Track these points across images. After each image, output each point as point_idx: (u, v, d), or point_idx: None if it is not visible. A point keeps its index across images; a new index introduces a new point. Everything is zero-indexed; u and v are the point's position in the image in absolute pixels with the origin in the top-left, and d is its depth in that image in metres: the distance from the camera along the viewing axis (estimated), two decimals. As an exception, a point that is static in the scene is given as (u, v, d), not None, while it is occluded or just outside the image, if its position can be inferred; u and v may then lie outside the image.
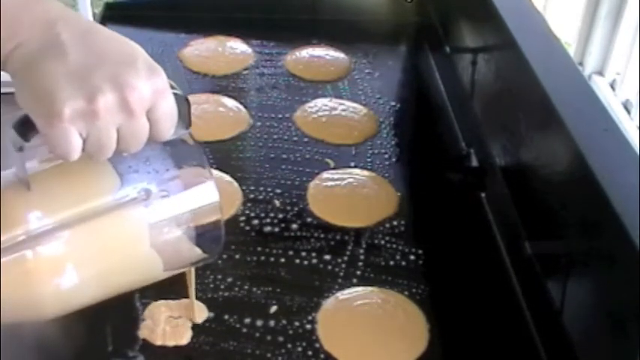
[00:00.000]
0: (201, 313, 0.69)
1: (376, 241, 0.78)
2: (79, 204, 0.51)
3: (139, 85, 0.46)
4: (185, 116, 0.51)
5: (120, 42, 0.48)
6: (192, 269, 0.63)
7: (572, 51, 1.27)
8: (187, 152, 0.55)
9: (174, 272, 0.58)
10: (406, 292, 0.72)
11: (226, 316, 0.69)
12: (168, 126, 0.49)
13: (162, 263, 0.55)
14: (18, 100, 0.46)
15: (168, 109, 0.48)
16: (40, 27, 0.46)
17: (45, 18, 0.46)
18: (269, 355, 0.66)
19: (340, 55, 1.09)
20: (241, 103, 0.97)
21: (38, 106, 0.45)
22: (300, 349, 0.66)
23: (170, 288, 0.70)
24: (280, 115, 0.96)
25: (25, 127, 0.45)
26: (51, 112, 0.44)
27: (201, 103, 0.96)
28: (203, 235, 0.56)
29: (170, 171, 0.54)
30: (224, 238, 0.58)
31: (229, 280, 0.73)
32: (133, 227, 0.53)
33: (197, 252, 0.57)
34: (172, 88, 0.50)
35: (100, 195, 0.52)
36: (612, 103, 1.20)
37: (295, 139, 0.92)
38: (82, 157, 0.47)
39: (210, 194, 0.55)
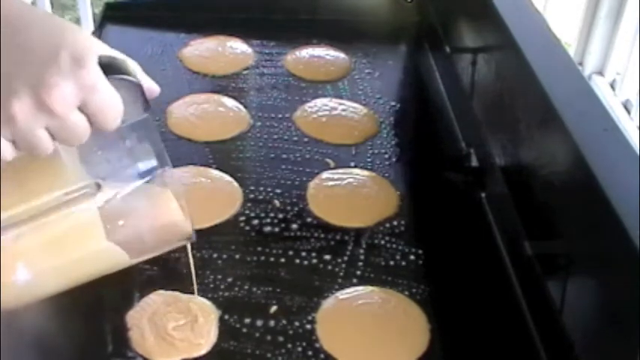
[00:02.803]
0: (210, 313, 0.69)
1: (376, 241, 0.78)
2: (27, 200, 0.50)
3: (60, 83, 0.45)
4: (138, 101, 0.49)
5: (48, 35, 0.46)
6: (189, 246, 0.61)
7: (572, 51, 1.28)
8: (145, 138, 0.53)
9: (144, 258, 0.57)
10: (406, 292, 0.72)
11: (226, 316, 0.69)
12: (110, 117, 0.47)
13: (127, 253, 0.54)
14: None
15: (103, 102, 0.46)
16: None
17: None
18: (269, 355, 0.66)
19: (340, 55, 1.09)
20: (241, 103, 0.97)
21: None
22: (300, 349, 0.66)
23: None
24: (280, 115, 0.96)
25: None
26: None
27: (201, 103, 0.96)
28: (167, 224, 0.55)
29: (124, 161, 0.52)
30: (192, 229, 0.56)
31: (229, 280, 0.73)
32: (83, 222, 0.52)
33: (164, 241, 0.56)
34: (122, 72, 0.48)
35: (48, 190, 0.51)
36: (612, 103, 1.20)
37: (295, 139, 0.92)
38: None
39: (168, 184, 0.53)
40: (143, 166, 0.53)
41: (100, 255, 0.54)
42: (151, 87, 0.52)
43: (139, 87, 0.49)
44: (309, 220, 0.80)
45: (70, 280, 0.55)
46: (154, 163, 0.53)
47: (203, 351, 0.65)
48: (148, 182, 0.53)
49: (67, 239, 0.52)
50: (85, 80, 0.45)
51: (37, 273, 0.52)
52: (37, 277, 0.53)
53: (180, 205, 0.56)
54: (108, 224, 0.53)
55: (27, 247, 0.51)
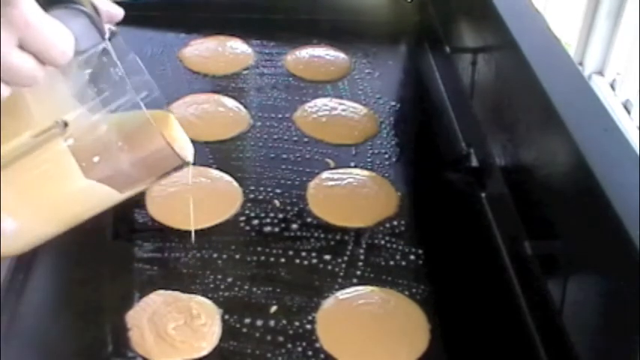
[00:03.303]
0: (213, 315, 0.69)
1: (376, 241, 0.78)
2: None
3: None
4: (92, 30, 0.47)
5: None
6: (190, 170, 0.58)
7: (572, 51, 1.27)
8: (110, 66, 0.50)
9: (138, 189, 0.55)
10: (406, 292, 0.72)
11: (226, 316, 0.69)
12: (56, 52, 0.45)
13: (114, 188, 0.52)
14: None
15: (42, 38, 0.45)
16: None
17: None
18: (269, 355, 0.66)
19: (340, 55, 1.09)
20: (241, 103, 0.97)
21: None
22: (300, 349, 0.66)
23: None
24: (280, 115, 0.96)
25: None
26: None
27: (201, 103, 0.96)
28: (151, 154, 0.52)
29: (88, 92, 0.50)
30: (183, 152, 0.54)
31: (229, 280, 0.73)
32: (56, 163, 0.51)
33: (154, 170, 0.54)
34: (70, 2, 0.46)
35: (14, 136, 0.49)
36: (612, 103, 1.20)
37: (295, 139, 0.92)
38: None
39: (142, 113, 0.51)
40: (112, 96, 0.51)
41: (83, 194, 0.53)
42: (111, 11, 0.50)
43: (88, 15, 0.47)
44: (309, 220, 0.80)
45: (62, 222, 0.54)
46: (121, 91, 0.51)
47: (204, 352, 0.65)
48: (127, 110, 0.51)
49: (43, 182, 0.51)
50: (17, 18, 0.44)
51: (23, 220, 0.51)
52: (24, 225, 0.52)
53: (171, 129, 0.54)
54: (83, 162, 0.51)
55: (4, 196, 0.50)
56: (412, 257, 0.76)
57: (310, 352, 0.66)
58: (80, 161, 0.51)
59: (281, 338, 0.67)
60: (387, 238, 0.78)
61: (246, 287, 0.72)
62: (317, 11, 1.17)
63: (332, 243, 0.77)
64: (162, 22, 1.13)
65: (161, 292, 0.70)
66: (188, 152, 0.56)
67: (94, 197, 0.53)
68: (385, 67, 1.08)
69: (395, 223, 0.80)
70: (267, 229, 0.79)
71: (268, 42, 1.11)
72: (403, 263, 0.75)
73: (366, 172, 0.87)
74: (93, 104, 0.50)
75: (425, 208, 0.83)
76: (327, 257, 0.76)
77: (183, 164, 0.54)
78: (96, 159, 0.52)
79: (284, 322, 0.69)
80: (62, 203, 0.53)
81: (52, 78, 0.47)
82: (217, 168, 0.86)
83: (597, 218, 0.55)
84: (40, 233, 0.54)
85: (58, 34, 0.46)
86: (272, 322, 0.69)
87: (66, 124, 0.50)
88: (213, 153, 0.89)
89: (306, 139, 0.92)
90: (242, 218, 0.80)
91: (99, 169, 0.52)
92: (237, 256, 0.75)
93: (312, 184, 0.85)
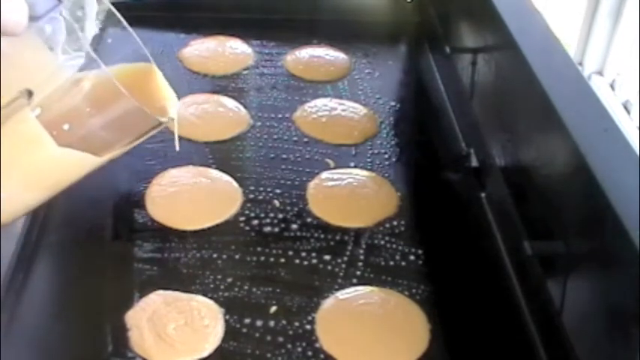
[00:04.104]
0: (216, 315, 0.69)
1: (376, 241, 0.78)
2: None
3: None
4: None
5: None
6: (175, 120, 0.57)
7: (572, 51, 1.27)
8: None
9: (118, 152, 0.54)
10: (406, 292, 0.72)
11: (226, 317, 0.69)
12: (12, 22, 0.45)
13: (91, 153, 0.52)
14: None
15: None
16: None
17: None
18: (269, 355, 0.66)
19: (340, 55, 1.09)
20: (241, 103, 0.97)
21: None
22: (300, 349, 0.66)
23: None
24: (280, 115, 0.96)
25: None
26: None
27: (201, 103, 0.96)
28: (124, 115, 0.51)
29: (49, 55, 0.50)
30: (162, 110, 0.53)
31: (229, 280, 0.72)
32: (26, 135, 0.50)
33: (133, 131, 0.53)
34: None
35: None
36: (612, 103, 1.20)
37: (295, 139, 0.92)
38: None
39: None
40: (75, 59, 0.50)
41: (60, 161, 0.52)
42: None
43: None
44: (309, 220, 0.80)
45: (45, 190, 0.53)
46: (79, 52, 0.50)
47: (205, 353, 0.65)
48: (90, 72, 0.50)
49: (17, 154, 0.50)
50: None
51: (4, 192, 0.51)
52: (6, 196, 0.51)
53: (152, 83, 0.53)
54: (53, 131, 0.50)
55: None
56: (412, 257, 0.76)
57: (310, 353, 0.66)
58: (51, 130, 0.50)
59: (281, 338, 0.67)
60: (386, 239, 0.78)
61: (245, 287, 0.72)
62: (317, 11, 1.17)
63: (332, 243, 0.77)
64: (162, 22, 1.13)
65: (161, 292, 0.70)
66: (171, 107, 0.55)
67: (72, 163, 0.52)
68: (385, 67, 1.08)
69: (395, 223, 0.80)
70: (267, 229, 0.79)
71: (268, 42, 1.11)
72: (403, 263, 0.75)
73: (365, 172, 0.87)
74: (57, 69, 0.50)
75: (425, 208, 0.83)
76: (327, 257, 0.76)
77: (163, 123, 0.53)
78: (66, 126, 0.51)
79: (284, 322, 0.69)
80: (40, 172, 0.52)
81: (11, 47, 0.46)
82: (217, 168, 0.86)
83: (597, 218, 0.55)
84: (26, 202, 0.53)
85: (10, 3, 0.45)
86: (272, 323, 0.69)
87: (30, 94, 0.49)
88: (213, 153, 0.89)
89: (306, 139, 0.92)
90: (242, 218, 0.80)
91: (70, 136, 0.51)
92: (237, 256, 0.75)
93: (312, 184, 0.85)
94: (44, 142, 0.50)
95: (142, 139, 0.54)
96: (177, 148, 0.61)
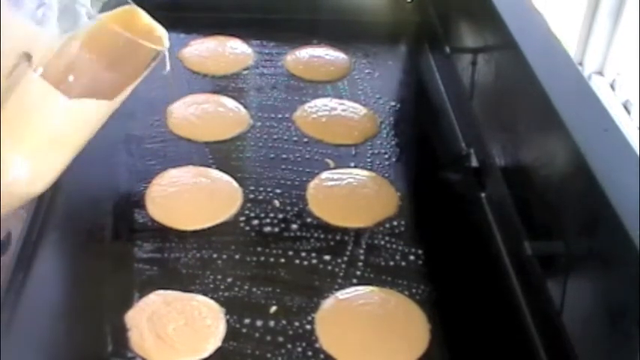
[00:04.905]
0: (218, 314, 0.69)
1: (376, 241, 0.78)
2: None
3: None
4: None
5: None
6: (166, 53, 0.60)
7: (572, 51, 1.27)
8: None
9: (127, 92, 0.56)
10: (406, 292, 0.72)
11: (226, 317, 0.69)
12: None
13: (102, 99, 0.54)
14: None
15: None
16: None
17: None
18: (269, 355, 0.66)
19: (340, 55, 1.09)
20: (241, 103, 0.97)
21: None
22: (300, 349, 0.66)
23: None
24: (280, 115, 0.96)
25: None
26: None
27: (201, 103, 0.96)
28: (124, 55, 0.54)
29: (46, 17, 0.52)
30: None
31: (229, 280, 0.72)
32: (36, 96, 0.52)
33: (136, 68, 0.55)
34: None
35: None
36: (612, 103, 1.20)
37: (295, 139, 0.92)
38: None
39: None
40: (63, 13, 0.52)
41: (75, 113, 0.54)
42: None
43: None
44: (309, 220, 0.80)
45: (70, 146, 0.56)
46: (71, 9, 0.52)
47: (205, 353, 0.65)
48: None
49: (33, 116, 0.52)
50: None
51: (32, 160, 0.52)
52: (36, 164, 0.53)
53: (138, 21, 0.55)
54: (60, 85, 0.52)
55: (4, 143, 0.51)
56: (412, 257, 0.76)
57: (310, 353, 0.66)
58: (57, 85, 0.52)
59: (281, 338, 0.67)
60: (386, 238, 0.78)
61: (245, 287, 0.72)
62: (317, 11, 1.17)
63: (332, 243, 0.77)
64: (162, 22, 1.12)
65: (161, 292, 0.70)
66: (162, 38, 0.57)
67: (87, 113, 0.55)
68: (385, 67, 1.08)
69: (395, 223, 0.80)
70: (267, 229, 0.79)
71: (268, 42, 1.11)
72: (403, 263, 0.75)
73: (365, 172, 0.87)
74: (50, 27, 0.52)
75: (425, 208, 0.83)
76: (327, 257, 0.76)
77: (161, 51, 0.56)
78: (71, 78, 0.53)
79: (284, 322, 0.69)
80: (59, 127, 0.54)
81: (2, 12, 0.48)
82: (217, 168, 0.86)
83: (597, 218, 0.55)
84: (54, 165, 0.55)
85: None
86: (272, 323, 0.69)
87: (29, 56, 0.50)
88: (213, 153, 0.89)
89: (306, 139, 0.92)
90: (242, 218, 0.80)
91: (77, 86, 0.53)
92: (237, 256, 0.75)
93: (311, 185, 0.85)
94: (54, 97, 0.52)
95: (145, 73, 0.57)
96: (168, 68, 0.63)
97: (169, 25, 0.60)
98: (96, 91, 0.54)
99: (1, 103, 0.51)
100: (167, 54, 0.59)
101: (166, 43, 0.58)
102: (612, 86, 1.24)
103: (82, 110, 0.54)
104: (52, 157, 0.55)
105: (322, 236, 0.78)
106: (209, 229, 0.78)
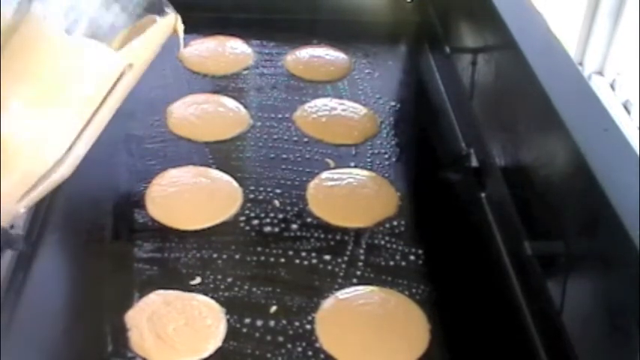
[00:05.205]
0: (219, 314, 0.69)
1: (376, 241, 0.78)
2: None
3: None
4: None
5: None
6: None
7: (572, 51, 1.27)
8: None
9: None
10: (406, 292, 0.72)
11: (227, 317, 0.69)
12: None
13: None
14: None
15: None
16: None
17: None
18: (269, 355, 0.66)
19: (340, 55, 1.09)
20: (241, 103, 0.97)
21: None
22: (300, 349, 0.66)
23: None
24: (280, 115, 0.96)
25: None
26: None
27: (201, 103, 0.96)
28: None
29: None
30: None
31: (229, 280, 0.73)
32: (33, 29, 0.53)
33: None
34: None
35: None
36: (612, 103, 1.20)
37: (295, 139, 0.92)
38: None
39: None
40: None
41: (78, 59, 0.57)
42: None
43: None
44: (309, 220, 0.80)
45: (83, 105, 0.60)
46: None
47: (205, 353, 0.65)
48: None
49: (30, 56, 0.54)
50: None
51: (35, 112, 0.54)
52: (39, 121, 0.55)
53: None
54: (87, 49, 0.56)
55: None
56: (412, 257, 0.76)
57: (310, 352, 0.66)
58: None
59: (281, 338, 0.67)
60: (387, 238, 0.78)
61: (246, 287, 0.72)
62: (317, 11, 1.17)
63: (332, 243, 0.77)
64: (162, 22, 1.13)
65: (161, 292, 0.70)
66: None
67: (90, 60, 0.57)
68: (385, 67, 1.08)
69: (395, 223, 0.80)
70: (267, 229, 0.79)
71: (268, 42, 1.11)
72: (403, 263, 0.75)
73: (365, 172, 0.87)
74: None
75: (425, 208, 0.83)
76: (327, 257, 0.76)
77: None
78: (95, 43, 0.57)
79: (284, 322, 0.69)
80: (63, 74, 0.56)
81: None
82: (217, 168, 0.86)
83: (597, 218, 0.55)
84: (67, 126, 0.57)
85: None
86: (272, 323, 0.69)
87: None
88: (213, 153, 0.89)
89: (306, 139, 0.92)
90: (242, 218, 0.80)
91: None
92: (237, 256, 0.75)
93: (312, 184, 0.85)
94: (50, 30, 0.54)
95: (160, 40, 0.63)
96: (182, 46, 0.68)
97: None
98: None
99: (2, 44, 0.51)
100: (181, 34, 0.63)
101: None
102: (612, 86, 1.24)
103: (83, 54, 0.55)
104: (59, 113, 0.54)
105: (322, 236, 0.78)
106: (209, 229, 0.78)
